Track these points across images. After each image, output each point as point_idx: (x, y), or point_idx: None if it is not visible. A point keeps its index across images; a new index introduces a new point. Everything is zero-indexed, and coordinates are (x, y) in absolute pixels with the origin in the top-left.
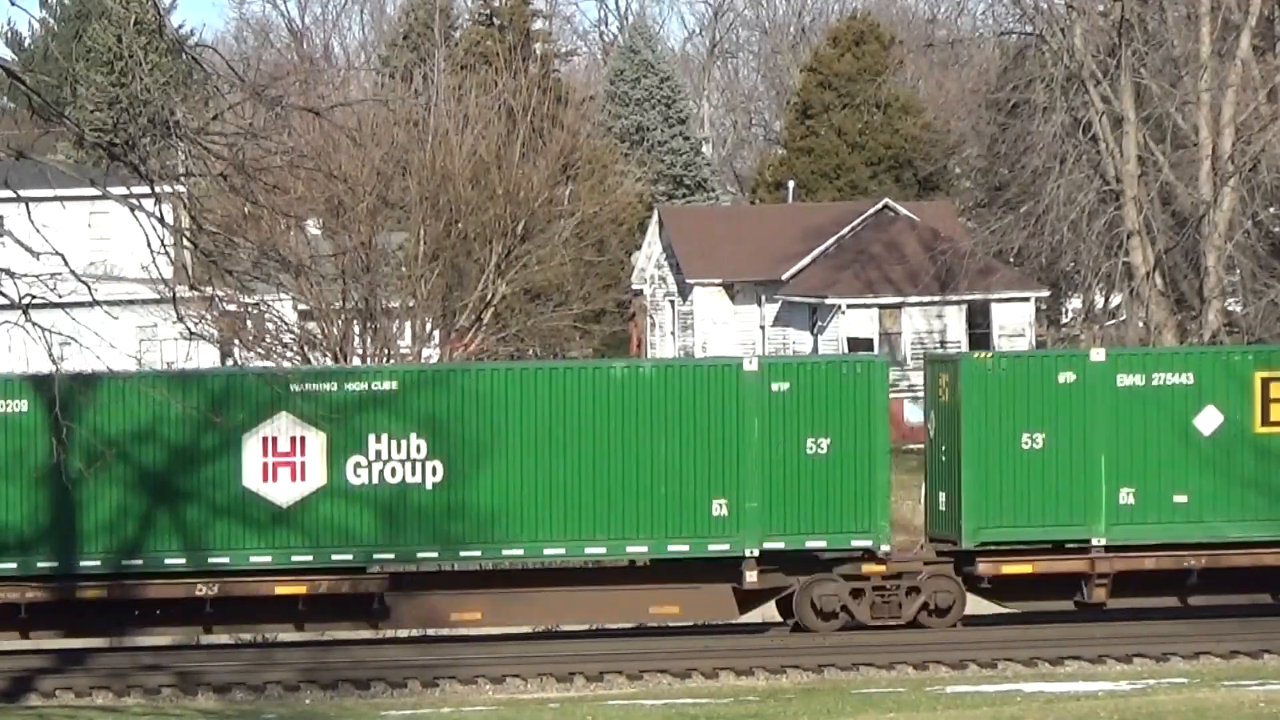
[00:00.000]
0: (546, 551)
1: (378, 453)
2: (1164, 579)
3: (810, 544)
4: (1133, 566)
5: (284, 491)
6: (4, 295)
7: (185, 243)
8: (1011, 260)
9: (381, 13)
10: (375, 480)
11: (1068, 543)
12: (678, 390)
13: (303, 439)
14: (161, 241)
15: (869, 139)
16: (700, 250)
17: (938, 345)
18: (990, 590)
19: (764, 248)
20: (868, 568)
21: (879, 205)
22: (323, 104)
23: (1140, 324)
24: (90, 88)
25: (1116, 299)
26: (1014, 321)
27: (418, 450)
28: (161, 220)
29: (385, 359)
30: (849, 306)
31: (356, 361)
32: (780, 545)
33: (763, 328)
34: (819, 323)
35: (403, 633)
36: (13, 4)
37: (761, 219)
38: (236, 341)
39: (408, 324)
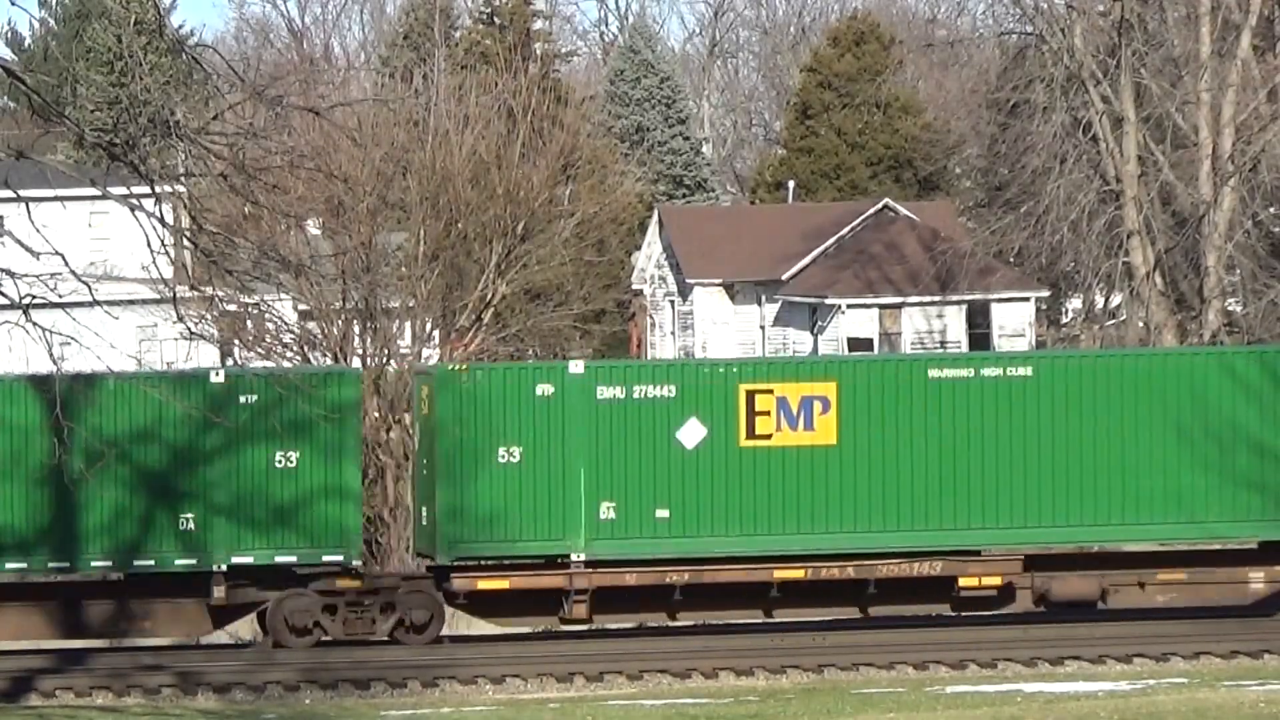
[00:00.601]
0: (9, 566)
1: None
2: (648, 595)
3: (280, 559)
4: (613, 582)
5: None
6: (4, 295)
7: (185, 243)
8: (1011, 260)
9: (381, 13)
10: None
11: (559, 557)
12: (144, 402)
13: None
14: (161, 241)
15: (869, 139)
16: (700, 250)
17: (938, 345)
18: (468, 606)
19: (764, 248)
20: (343, 583)
21: (879, 205)
22: (323, 104)
23: (1140, 324)
24: (90, 88)
25: (1116, 299)
26: (1014, 321)
27: None
28: (161, 220)
29: (385, 359)
30: (849, 306)
31: (356, 362)
32: (250, 560)
33: (763, 328)
34: (819, 323)
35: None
36: (13, 4)
37: (761, 219)
38: (236, 341)
39: (408, 324)
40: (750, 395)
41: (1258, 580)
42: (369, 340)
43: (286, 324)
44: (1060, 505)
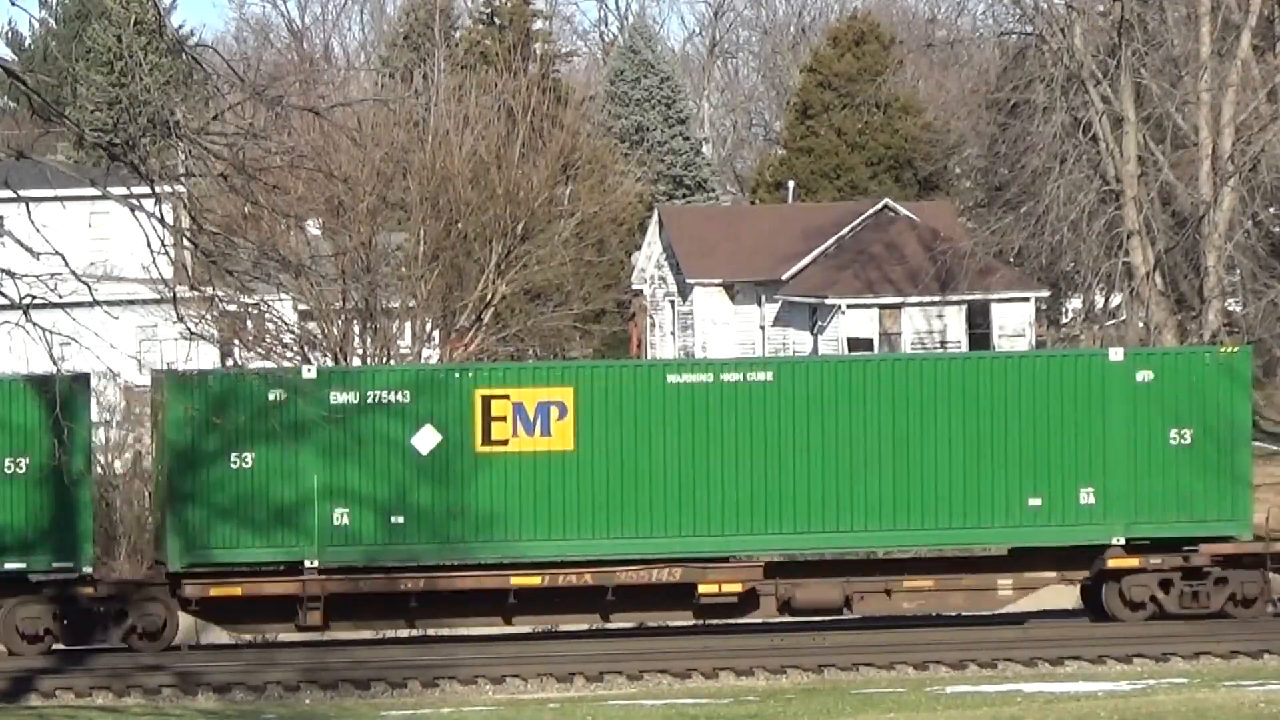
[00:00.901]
0: None
1: None
2: (384, 602)
3: (10, 566)
4: (347, 589)
5: None
6: (4, 295)
7: (185, 243)
8: (1011, 260)
9: (381, 13)
10: None
11: (293, 564)
12: None
13: None
14: (161, 241)
15: (869, 139)
16: (700, 250)
17: (938, 345)
18: (202, 613)
19: (764, 248)
20: (76, 590)
21: (879, 205)
22: (323, 104)
23: (1140, 324)
24: (90, 88)
25: (1116, 299)
26: (1014, 321)
27: None
28: (161, 220)
29: (385, 359)
30: (849, 306)
31: (356, 362)
32: None
33: (763, 328)
34: (819, 323)
35: (403, 633)
36: (13, 4)
37: (761, 219)
38: (236, 341)
39: (408, 324)
40: (486, 401)
41: (1006, 587)
42: (369, 340)
43: (286, 324)
44: (803, 512)
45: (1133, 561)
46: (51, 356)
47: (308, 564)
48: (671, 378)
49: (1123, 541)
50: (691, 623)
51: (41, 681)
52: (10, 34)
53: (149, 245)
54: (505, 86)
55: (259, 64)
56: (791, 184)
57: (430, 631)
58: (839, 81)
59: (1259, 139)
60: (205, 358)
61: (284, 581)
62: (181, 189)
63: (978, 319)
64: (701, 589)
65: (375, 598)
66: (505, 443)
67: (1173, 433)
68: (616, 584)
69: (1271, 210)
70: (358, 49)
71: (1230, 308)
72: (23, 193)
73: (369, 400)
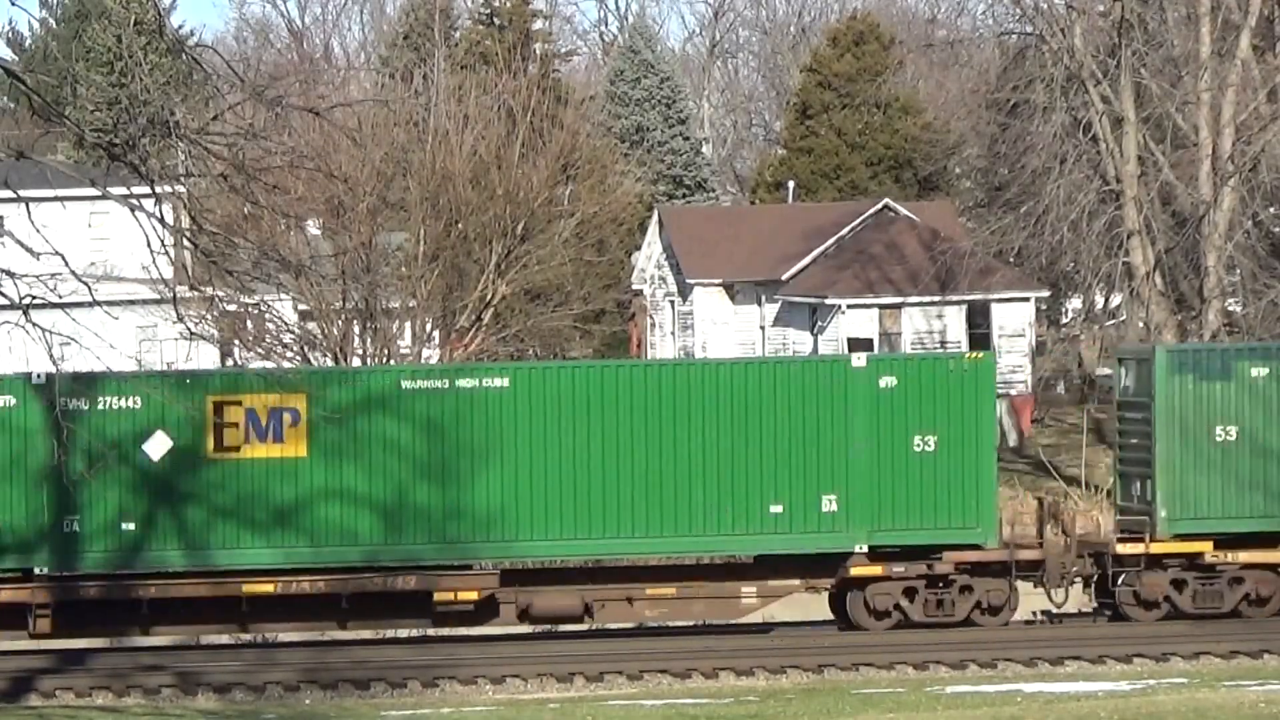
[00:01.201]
0: None
1: None
2: (117, 609)
3: None
4: (77, 597)
5: None
6: (4, 295)
7: (185, 243)
8: (1011, 260)
9: (381, 13)
10: None
11: (26, 571)
12: None
13: None
14: (161, 241)
15: (869, 139)
16: (700, 250)
17: (938, 345)
18: None
19: (764, 248)
20: None
21: (879, 205)
22: (323, 104)
23: (1140, 324)
24: (90, 88)
25: (1116, 299)
26: (1014, 321)
27: None
28: (161, 220)
29: (385, 359)
30: (849, 306)
31: (356, 362)
32: None
33: (763, 328)
34: (819, 323)
35: (403, 633)
36: (13, 4)
37: (761, 219)
38: (236, 341)
39: (408, 324)
40: (218, 406)
41: (750, 595)
42: (369, 340)
43: (286, 324)
44: (540, 519)
45: (876, 569)
46: (51, 357)
47: (38, 571)
48: (405, 384)
49: (865, 549)
50: (691, 622)
51: (41, 681)
52: (10, 34)
53: (149, 245)
54: (505, 86)
55: (259, 64)
56: (791, 184)
57: (430, 632)
58: (839, 81)
59: (1259, 139)
60: (205, 358)
61: (12, 589)
62: (181, 189)
63: (978, 319)
64: (437, 597)
65: (108, 605)
66: (237, 449)
67: (916, 439)
68: (350, 592)
69: (1271, 210)
70: (358, 49)
71: (1230, 308)
72: (23, 193)
73: (100, 407)
